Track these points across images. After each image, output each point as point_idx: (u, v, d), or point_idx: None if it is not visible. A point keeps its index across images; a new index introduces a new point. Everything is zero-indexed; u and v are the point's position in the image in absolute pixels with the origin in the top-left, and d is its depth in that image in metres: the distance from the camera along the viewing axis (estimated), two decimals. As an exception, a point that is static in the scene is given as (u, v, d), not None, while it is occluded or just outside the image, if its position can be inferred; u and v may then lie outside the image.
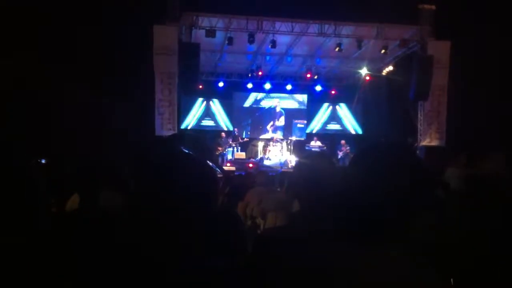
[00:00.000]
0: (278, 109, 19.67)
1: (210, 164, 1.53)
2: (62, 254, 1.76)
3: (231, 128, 19.47)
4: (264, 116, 19.89)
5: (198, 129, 19.44)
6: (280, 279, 1.33)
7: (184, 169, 1.43)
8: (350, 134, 20.40)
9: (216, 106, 19.97)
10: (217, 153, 16.66)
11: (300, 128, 20.03)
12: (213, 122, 19.96)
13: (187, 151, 1.58)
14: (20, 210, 1.63)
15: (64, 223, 2.43)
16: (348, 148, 17.48)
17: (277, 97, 20.03)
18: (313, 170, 1.73)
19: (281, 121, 19.64)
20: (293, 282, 1.28)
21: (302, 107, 20.51)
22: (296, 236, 1.43)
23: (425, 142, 14.65)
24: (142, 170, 1.58)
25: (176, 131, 13.22)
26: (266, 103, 20.14)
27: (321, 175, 1.69)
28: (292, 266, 1.31)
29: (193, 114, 19.70)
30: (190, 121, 19.62)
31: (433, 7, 14.10)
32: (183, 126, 18.62)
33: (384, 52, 14.94)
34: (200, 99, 19.56)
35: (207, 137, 17.72)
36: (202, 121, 19.87)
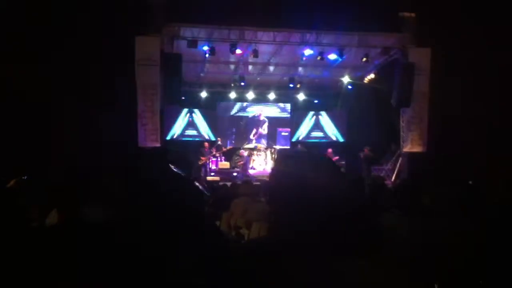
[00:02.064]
0: (261, 117, 19.70)
1: (197, 184, 1.52)
2: (40, 266, 1.74)
3: (213, 138, 19.42)
4: (248, 124, 19.89)
5: (182, 140, 19.41)
6: None
7: (172, 189, 1.42)
8: (333, 141, 20.47)
9: (198, 116, 19.93)
10: (200, 163, 16.60)
11: (284, 137, 20.01)
12: (196, 132, 19.91)
13: (173, 168, 1.57)
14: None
15: (43, 237, 2.40)
16: (337, 157, 17.48)
17: (260, 105, 20.07)
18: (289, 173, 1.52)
19: (264, 129, 19.65)
20: None
21: (286, 114, 20.59)
22: (271, 249, 1.41)
23: (407, 149, 14.75)
24: (127, 187, 1.57)
25: (159, 143, 13.16)
26: (250, 111, 20.18)
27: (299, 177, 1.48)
28: (264, 282, 1.31)
29: (178, 124, 19.66)
30: (175, 132, 19.55)
31: (413, 15, 14.26)
32: (168, 137, 18.59)
33: (366, 60, 15.08)
34: (185, 110, 19.53)
35: (190, 149, 17.71)
36: (186, 131, 19.82)
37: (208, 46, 14.01)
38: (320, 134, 21.01)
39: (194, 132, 19.89)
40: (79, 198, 2.70)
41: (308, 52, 14.48)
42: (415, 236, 3.18)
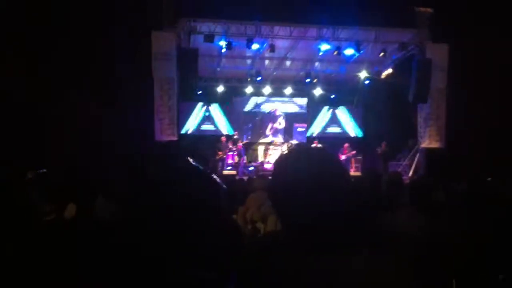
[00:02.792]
0: (278, 113, 19.69)
1: (214, 176, 1.52)
2: (59, 258, 1.76)
3: (231, 132, 19.45)
4: (264, 120, 19.94)
5: (198, 134, 19.47)
6: None
7: (187, 182, 1.42)
8: (350, 137, 20.39)
9: (215, 110, 19.99)
10: (217, 157, 16.66)
11: (300, 132, 20.02)
12: (213, 126, 19.97)
13: (191, 161, 1.57)
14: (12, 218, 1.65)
15: (61, 230, 2.44)
16: (353, 152, 17.42)
17: (277, 101, 20.07)
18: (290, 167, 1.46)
19: (281, 124, 19.67)
20: None
21: (303, 110, 20.57)
22: (281, 246, 1.42)
23: (424, 144, 14.64)
24: (140, 182, 1.58)
25: (176, 137, 13.23)
26: (266, 107, 20.17)
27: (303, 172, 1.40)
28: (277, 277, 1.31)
29: (193, 118, 19.72)
30: (190, 126, 19.62)
31: (430, 10, 14.13)
32: (183, 131, 18.64)
33: (383, 55, 14.98)
34: (200, 104, 19.59)
35: (205, 143, 17.74)
36: (202, 125, 19.88)
37: (225, 40, 14.01)
38: (337, 129, 20.94)
39: (211, 127, 19.95)
40: (95, 192, 2.74)
41: (324, 47, 14.39)
42: (427, 234, 3.16)
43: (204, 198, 1.40)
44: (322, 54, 15.42)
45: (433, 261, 2.88)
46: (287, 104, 20.33)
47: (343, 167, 1.44)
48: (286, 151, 1.48)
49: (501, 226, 3.16)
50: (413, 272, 1.30)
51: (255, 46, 14.05)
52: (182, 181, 1.41)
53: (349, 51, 14.71)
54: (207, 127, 19.93)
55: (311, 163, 1.39)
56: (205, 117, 19.91)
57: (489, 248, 3.03)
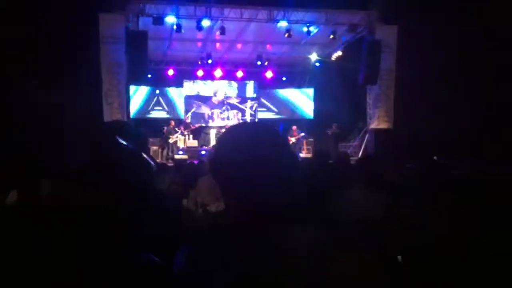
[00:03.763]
0: (228, 96, 19.71)
1: (144, 155, 1.49)
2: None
3: (182, 117, 19.26)
4: (214, 104, 19.82)
5: (148, 119, 19.19)
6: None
7: (116, 162, 1.39)
8: (300, 119, 20.52)
9: (165, 94, 19.73)
10: (168, 141, 16.50)
11: (251, 115, 20.09)
12: (163, 110, 19.70)
13: (120, 140, 1.53)
14: None
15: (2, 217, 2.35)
16: (302, 134, 17.57)
17: (226, 84, 20.05)
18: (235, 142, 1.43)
19: (232, 109, 19.74)
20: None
21: (252, 94, 20.54)
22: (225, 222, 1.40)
23: (373, 125, 14.94)
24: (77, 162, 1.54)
25: (124, 120, 13.01)
26: (216, 91, 20.01)
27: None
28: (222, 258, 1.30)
29: (141, 102, 19.42)
30: (139, 110, 19.31)
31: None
32: (133, 116, 18.36)
33: (333, 38, 15.10)
34: (147, 88, 19.27)
35: (154, 127, 17.51)
36: (153, 109, 19.62)
37: (176, 21, 13.77)
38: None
39: (162, 113, 19.69)
40: (37, 178, 2.64)
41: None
42: (373, 211, 3.21)
43: (135, 176, 1.37)
44: (273, 37, 15.36)
45: (379, 237, 2.94)
46: (235, 87, 20.27)
47: (285, 140, 1.43)
48: (232, 126, 1.46)
49: (451, 205, 3.23)
50: (358, 247, 1.30)
51: (205, 23, 13.74)
52: (112, 161, 1.38)
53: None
54: (157, 113, 19.68)
55: (252, 136, 1.37)
56: (156, 101, 19.60)
57: (438, 226, 3.10)
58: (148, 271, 1.33)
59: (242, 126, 1.44)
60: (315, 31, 14.70)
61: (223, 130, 18.06)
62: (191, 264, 1.38)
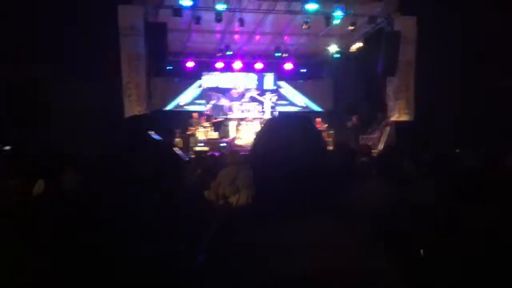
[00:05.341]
0: (246, 89, 19.72)
1: (174, 148, 1.52)
2: (27, 236, 1.73)
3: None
4: (233, 96, 19.85)
5: (176, 110, 19.39)
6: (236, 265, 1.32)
7: (145, 152, 1.41)
8: (320, 111, 20.45)
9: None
10: (188, 133, 16.60)
11: (271, 107, 20.10)
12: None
13: (151, 134, 1.57)
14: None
15: (29, 207, 2.40)
16: (325, 125, 17.51)
17: (245, 76, 20.05)
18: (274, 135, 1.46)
19: (251, 100, 19.75)
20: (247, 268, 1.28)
21: (272, 86, 20.53)
22: (252, 217, 1.42)
23: (394, 117, 14.80)
24: (106, 155, 1.56)
25: (146, 112, 13.09)
26: (234, 83, 20.05)
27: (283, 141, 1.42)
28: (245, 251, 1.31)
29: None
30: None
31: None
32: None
33: (352, 29, 14.98)
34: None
35: (179, 119, 17.67)
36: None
37: (194, 14, 13.76)
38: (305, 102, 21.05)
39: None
40: (61, 168, 2.69)
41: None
42: (393, 204, 3.21)
43: (165, 169, 1.39)
44: (291, 28, 15.25)
45: (398, 231, 2.93)
46: (254, 78, 20.27)
47: (319, 133, 1.45)
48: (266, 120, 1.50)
49: (465, 196, 3.21)
50: (377, 241, 1.31)
51: (220, 7, 13.66)
52: (143, 153, 1.40)
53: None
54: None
55: (289, 129, 1.40)
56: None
57: (456, 219, 3.08)
58: (171, 259, 1.36)
59: (279, 119, 1.48)
60: (337, 22, 14.52)
61: (243, 122, 18.24)
62: (214, 256, 1.41)
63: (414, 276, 2.84)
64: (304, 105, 20.93)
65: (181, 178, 1.47)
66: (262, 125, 1.52)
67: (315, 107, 20.85)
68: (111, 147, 1.49)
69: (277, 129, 1.40)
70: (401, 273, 1.25)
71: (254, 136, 1.47)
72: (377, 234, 1.34)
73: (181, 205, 1.72)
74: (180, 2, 13.06)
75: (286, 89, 20.92)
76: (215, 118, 18.23)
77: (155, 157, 1.41)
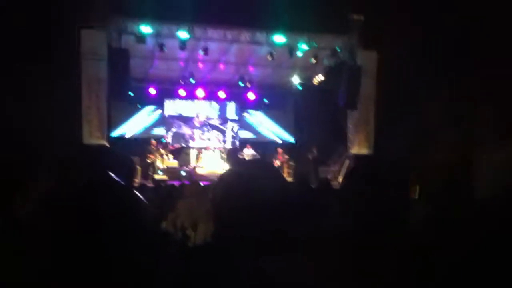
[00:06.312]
0: (208, 117, 19.68)
1: (136, 193, 1.47)
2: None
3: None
4: (195, 124, 19.73)
5: (132, 138, 19.03)
6: None
7: (106, 197, 1.36)
8: (281, 142, 20.52)
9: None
10: (148, 161, 16.31)
11: (232, 136, 20.05)
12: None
13: (112, 176, 1.51)
14: None
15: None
16: (286, 157, 17.55)
17: (207, 104, 20.00)
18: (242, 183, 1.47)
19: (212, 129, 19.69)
20: None
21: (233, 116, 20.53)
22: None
23: (354, 150, 14.98)
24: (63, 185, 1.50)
25: (105, 140, 12.84)
26: (196, 111, 19.94)
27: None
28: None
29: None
30: (129, 129, 19.25)
31: (362, 17, 14.45)
32: (116, 135, 18.25)
33: (315, 62, 15.19)
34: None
35: (136, 147, 17.32)
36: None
37: (157, 42, 13.74)
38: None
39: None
40: (13, 192, 2.54)
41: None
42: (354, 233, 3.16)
43: (123, 213, 1.33)
44: (255, 59, 15.39)
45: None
46: (215, 107, 20.24)
47: (283, 178, 1.55)
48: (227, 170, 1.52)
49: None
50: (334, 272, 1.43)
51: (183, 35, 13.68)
52: (101, 197, 1.34)
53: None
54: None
55: (252, 178, 1.43)
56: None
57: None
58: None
59: (237, 170, 1.56)
60: (300, 54, 14.73)
61: (204, 150, 18.12)
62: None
63: None
64: (268, 136, 20.95)
65: (140, 221, 1.42)
66: (222, 175, 1.53)
67: (277, 138, 20.91)
68: (67, 183, 1.43)
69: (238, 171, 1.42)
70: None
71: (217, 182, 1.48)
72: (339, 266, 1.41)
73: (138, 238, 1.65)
74: (140, 29, 13.02)
75: (251, 118, 20.93)
76: (173, 146, 18.06)
77: (114, 204, 1.36)
